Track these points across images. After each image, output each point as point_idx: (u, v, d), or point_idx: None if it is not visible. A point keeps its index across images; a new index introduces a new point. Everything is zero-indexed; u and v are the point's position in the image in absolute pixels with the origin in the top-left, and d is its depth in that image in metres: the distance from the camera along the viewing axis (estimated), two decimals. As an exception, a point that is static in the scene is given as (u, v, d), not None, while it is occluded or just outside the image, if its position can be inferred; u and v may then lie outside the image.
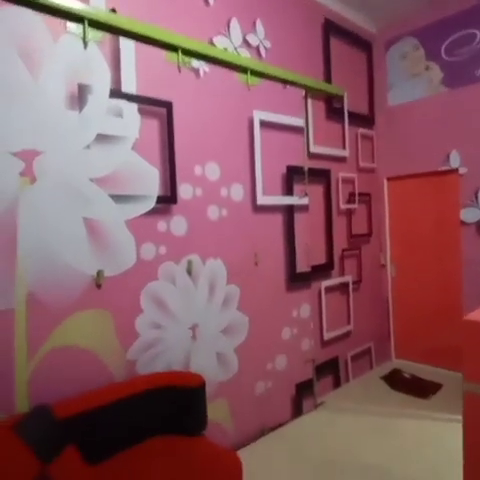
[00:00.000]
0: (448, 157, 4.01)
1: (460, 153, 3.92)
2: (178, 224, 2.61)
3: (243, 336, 3.00)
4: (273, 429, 3.20)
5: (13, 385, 1.95)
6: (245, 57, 3.01)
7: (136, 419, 2.15)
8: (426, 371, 4.27)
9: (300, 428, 3.25)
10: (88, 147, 2.21)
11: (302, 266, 3.47)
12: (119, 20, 2.28)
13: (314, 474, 2.63)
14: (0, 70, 1.92)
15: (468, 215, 3.91)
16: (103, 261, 2.26)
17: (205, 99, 2.77)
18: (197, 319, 2.72)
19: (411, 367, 4.40)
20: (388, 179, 4.57)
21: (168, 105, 2.55)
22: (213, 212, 2.81)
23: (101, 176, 2.26)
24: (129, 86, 2.38)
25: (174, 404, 2.23)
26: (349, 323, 4.12)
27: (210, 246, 2.80)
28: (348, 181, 4.13)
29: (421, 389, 3.87)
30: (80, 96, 2.17)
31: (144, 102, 2.44)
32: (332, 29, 3.91)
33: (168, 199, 2.56)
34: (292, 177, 3.36)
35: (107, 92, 2.28)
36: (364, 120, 4.36)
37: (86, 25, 2.17)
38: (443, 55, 3.96)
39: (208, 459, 2.02)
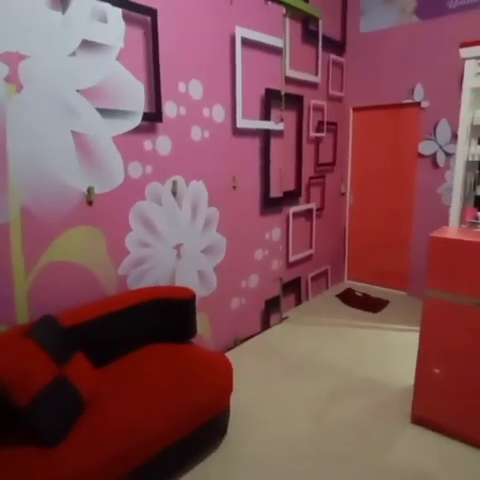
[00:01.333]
0: (413, 90, 4.17)
1: (424, 87, 4.09)
2: (163, 144, 2.59)
3: (221, 256, 3.17)
4: (245, 340, 3.52)
5: (13, 298, 1.98)
6: (230, -36, 2.82)
7: (134, 328, 2.29)
8: (375, 290, 4.79)
9: (269, 338, 3.61)
10: (74, 54, 2.06)
11: (275, 191, 3.61)
12: None
13: (285, 372, 3.00)
14: (-27, -48, 1.68)
15: (425, 148, 4.20)
16: (93, 178, 2.23)
17: (189, 9, 2.61)
18: (181, 239, 2.82)
19: (362, 287, 4.90)
20: (354, 109, 4.68)
21: (153, 13, 2.39)
22: (196, 133, 2.79)
23: (87, 87, 2.14)
24: (113, -14, 2.18)
25: (168, 315, 2.39)
26: (311, 247, 4.43)
27: (193, 168, 2.81)
28: (318, 109, 4.19)
29: (371, 305, 4.37)
30: (62, -7, 1.98)
31: (128, 7, 2.26)
32: None
33: (153, 117, 2.49)
34: (270, 101, 3.36)
35: (90, -8, 2.09)
36: (336, 46, 4.33)
37: None
38: (419, -18, 3.94)
39: (202, 358, 2.24)
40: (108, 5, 2.16)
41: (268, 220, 3.60)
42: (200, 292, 3.01)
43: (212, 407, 2.07)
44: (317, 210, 4.45)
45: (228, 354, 3.27)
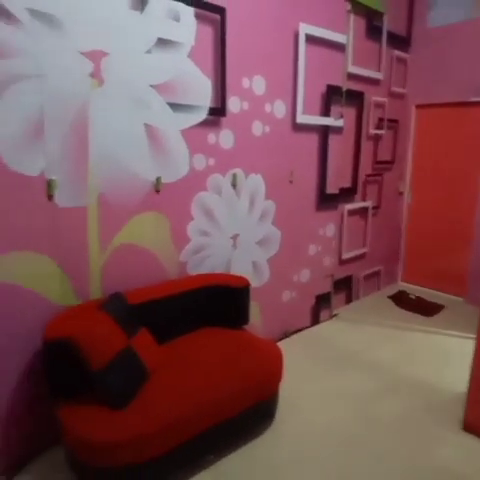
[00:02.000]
0: (482, 86, 3.98)
1: (495, 82, 3.90)
2: (226, 137, 2.69)
3: (275, 249, 3.23)
4: (294, 332, 3.57)
5: (88, 274, 2.17)
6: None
7: (191, 311, 2.43)
8: (430, 294, 4.64)
9: (318, 333, 3.63)
10: (149, 51, 2.21)
11: (331, 188, 3.62)
12: None
13: (332, 367, 3.02)
14: (69, -39, 1.87)
15: (493, 146, 3.99)
16: (161, 168, 2.38)
17: (255, 6, 2.69)
18: (238, 230, 2.92)
19: (416, 290, 4.75)
20: (417, 106, 4.55)
21: (222, 11, 2.50)
22: (257, 128, 2.87)
23: (160, 83, 2.29)
24: (187, -13, 2.31)
25: (223, 301, 2.50)
26: (365, 245, 4.37)
27: (252, 161, 2.90)
28: (379, 105, 4.12)
29: (425, 308, 4.24)
30: (142, -5, 2.13)
31: (200, 6, 2.38)
32: None
33: (218, 111, 2.61)
34: (330, 97, 3.37)
35: (167, -8, 2.23)
36: (401, 42, 4.23)
37: None
38: (494, -28, 3.75)
39: (255, 344, 2.33)
40: (182, 4, 2.30)
41: (323, 216, 3.61)
42: (253, 282, 3.09)
43: (262, 390, 2.15)
44: (373, 208, 4.38)
45: (278, 344, 3.34)
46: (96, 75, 2.04)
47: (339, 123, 3.52)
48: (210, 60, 2.51)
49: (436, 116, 4.43)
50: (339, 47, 3.36)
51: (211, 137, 2.61)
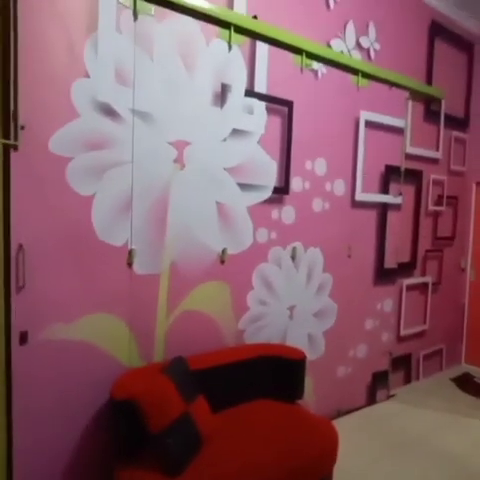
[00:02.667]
0: None
1: None
2: (288, 213, 2.87)
3: (331, 322, 3.24)
4: (348, 412, 3.42)
5: (154, 338, 2.33)
6: (357, 59, 3.17)
7: (247, 380, 2.47)
8: (499, 379, 4.29)
9: (375, 414, 3.45)
10: (225, 140, 2.51)
11: (389, 262, 3.62)
12: (258, 26, 2.53)
13: (390, 452, 2.84)
14: (166, 69, 2.25)
15: None
16: (227, 240, 2.58)
17: (320, 99, 2.98)
18: (295, 301, 2.99)
19: (482, 373, 4.42)
20: (477, 184, 4.54)
21: (289, 104, 2.79)
22: (317, 204, 3.04)
23: (232, 166, 2.56)
24: (260, 86, 2.64)
25: (279, 372, 2.52)
26: (425, 323, 4.21)
27: (312, 235, 3.03)
28: (438, 183, 4.17)
29: (494, 395, 3.91)
30: (222, 94, 2.47)
31: (271, 101, 2.69)
32: (437, 30, 3.94)
33: (282, 190, 2.82)
34: (389, 176, 3.51)
35: (243, 91, 2.56)
36: (459, 123, 4.35)
37: (232, 30, 2.45)
38: None
39: (310, 421, 2.29)
40: (255, 100, 2.61)
41: (381, 290, 3.59)
42: (308, 355, 3.08)
43: (316, 470, 2.09)
44: (433, 284, 4.27)
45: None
46: (179, 160, 2.33)
47: (398, 200, 3.61)
48: (277, 145, 2.77)
49: (499, 194, 4.38)
50: (398, 130, 3.55)
51: (274, 213, 2.80)
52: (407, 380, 4.08)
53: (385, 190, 3.51)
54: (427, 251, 4.16)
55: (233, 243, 2.61)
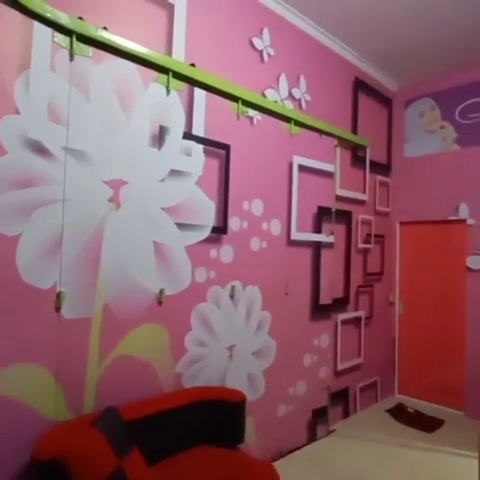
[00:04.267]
0: (457, 208, 4.40)
1: (469, 206, 4.32)
2: (226, 252, 2.90)
3: (271, 360, 3.24)
4: (290, 451, 3.38)
5: (84, 387, 2.17)
6: (289, 109, 3.40)
7: (185, 427, 2.36)
8: (428, 407, 4.50)
9: (316, 452, 3.44)
10: (163, 180, 2.52)
11: (324, 298, 3.76)
12: (196, 73, 2.64)
13: (334, 494, 2.83)
14: (103, 109, 2.24)
15: (474, 262, 4.27)
16: (165, 281, 2.53)
17: (256, 143, 3.12)
18: (234, 340, 2.97)
19: (413, 403, 4.62)
20: (400, 223, 4.94)
21: (227, 147, 2.89)
22: (255, 243, 3.11)
23: (170, 206, 2.56)
24: (198, 129, 2.72)
25: (218, 416, 2.45)
26: (360, 356, 4.37)
27: (250, 274, 3.08)
28: (366, 223, 4.48)
29: (424, 424, 4.09)
30: (160, 136, 2.50)
31: (209, 144, 2.77)
32: (360, 86, 4.36)
33: (220, 229, 2.85)
34: (321, 216, 3.70)
35: (181, 134, 2.62)
36: (382, 168, 4.77)
37: (170, 76, 2.53)
38: (457, 117, 4.42)
39: (252, 468, 2.23)
40: (193, 143, 2.68)
41: (317, 326, 3.69)
42: (248, 395, 3.04)
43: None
44: (366, 318, 4.47)
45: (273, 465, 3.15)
46: (114, 200, 2.29)
47: (330, 239, 3.80)
48: (215, 186, 2.83)
49: (419, 232, 4.79)
50: (328, 174, 3.79)
51: (213, 252, 2.82)
52: (346, 414, 4.16)
53: (318, 229, 3.69)
54: (359, 287, 4.39)
55: (171, 283, 2.57)
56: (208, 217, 2.78)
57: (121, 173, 2.32)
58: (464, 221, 4.37)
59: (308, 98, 3.66)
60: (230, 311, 2.94)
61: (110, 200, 2.28)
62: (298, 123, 3.44)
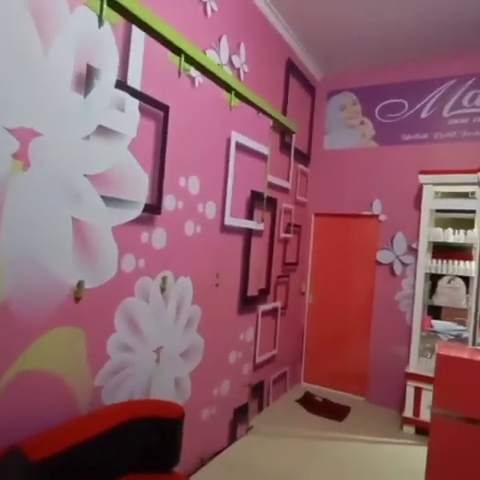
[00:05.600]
0: (371, 204, 4.55)
1: (382, 202, 4.50)
2: (159, 237, 2.41)
3: (198, 360, 2.87)
4: (211, 457, 3.08)
5: (-34, 422, 1.51)
6: (232, 76, 3.00)
7: (112, 455, 1.86)
8: (332, 394, 4.63)
9: (237, 455, 3.19)
10: (88, 138, 1.91)
11: (252, 290, 3.50)
12: (136, 6, 2.07)
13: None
14: (9, 33, 1.56)
15: (383, 257, 4.47)
16: (85, 270, 1.95)
17: (197, 110, 2.66)
18: (162, 341, 2.51)
19: (318, 390, 4.71)
20: (316, 214, 4.95)
21: (166, 109, 2.38)
22: (189, 227, 2.67)
23: (96, 173, 1.97)
24: (134, 80, 2.15)
25: (152, 437, 1.99)
26: (275, 347, 4.26)
27: (183, 263, 2.64)
28: (288, 212, 4.35)
29: (334, 412, 4.18)
30: (88, 79, 1.89)
31: (146, 101, 2.23)
32: (291, 69, 4.16)
33: (153, 209, 2.35)
34: (254, 202, 3.41)
35: (113, 81, 2.03)
36: (303, 157, 4.68)
37: (104, 1, 1.92)
38: (376, 115, 4.55)
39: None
40: (127, 95, 2.11)
41: (244, 319, 3.42)
42: (175, 400, 2.62)
43: None
44: (282, 309, 4.38)
45: (194, 477, 2.81)
46: (21, 156, 1.63)
47: (260, 227, 3.55)
48: (150, 155, 2.31)
49: (333, 224, 4.86)
50: (262, 157, 3.51)
51: (144, 236, 2.30)
52: (260, 408, 4.01)
53: (250, 216, 3.39)
54: (278, 277, 4.25)
55: (92, 274, 1.99)
56: (140, 192, 2.25)
57: (32, 120, 1.67)
58: (376, 216, 4.54)
59: (246, 70, 3.30)
60: (160, 307, 2.47)
61: (15, 156, 1.61)
62: (238, 95, 3.07)
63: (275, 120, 3.65)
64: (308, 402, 4.39)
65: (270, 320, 4.12)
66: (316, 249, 4.96)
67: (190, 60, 2.52)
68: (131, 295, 2.24)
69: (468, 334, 3.75)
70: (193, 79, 2.61)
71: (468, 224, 4.06)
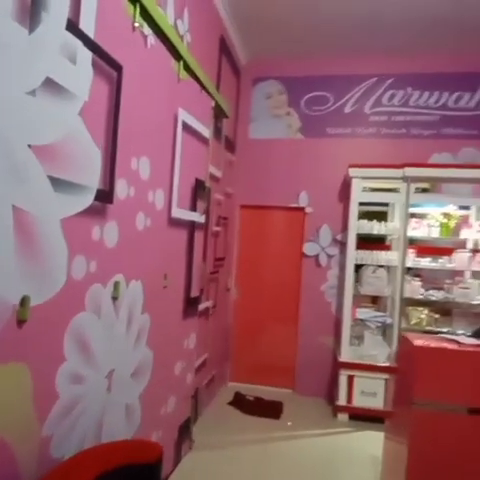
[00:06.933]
0: (298, 196, 4.53)
1: (308, 194, 4.51)
2: (111, 231, 1.90)
3: (147, 378, 2.41)
4: (159, 487, 2.65)
5: None
6: (184, 44, 2.57)
7: None
8: (259, 391, 4.48)
9: (187, 478, 2.83)
10: (33, 93, 1.34)
11: (195, 290, 3.13)
12: None
13: None
14: None
15: (309, 249, 4.50)
16: (30, 281, 1.38)
17: (147, 77, 2.17)
18: (114, 363, 2.01)
19: (245, 388, 4.51)
20: (241, 206, 4.75)
21: (119, 69, 1.87)
22: (140, 221, 2.19)
23: (42, 144, 1.40)
24: (87, 25, 1.61)
25: (125, 493, 1.54)
26: (207, 350, 3.95)
27: (134, 264, 2.15)
28: (218, 203, 4.05)
29: (268, 409, 4.07)
30: (33, 8, 1.31)
31: (99, 54, 1.70)
32: (223, 48, 3.85)
33: (106, 196, 1.83)
34: (197, 191, 3.03)
35: (64, 20, 1.47)
36: (230, 145, 4.42)
37: None
38: (302, 107, 4.52)
39: None
40: (80, 44, 1.56)
41: (188, 324, 3.04)
42: (125, 434, 2.15)
43: None
44: (212, 308, 4.08)
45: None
46: None
47: (202, 219, 3.18)
48: (102, 127, 1.78)
49: (260, 217, 4.73)
50: (205, 141, 3.14)
51: (96, 231, 1.78)
52: (196, 418, 3.67)
53: (194, 207, 3.01)
54: (211, 273, 3.94)
55: (39, 285, 1.43)
56: (93, 174, 1.72)
57: (-45, 54, 1.07)
58: (303, 209, 4.53)
59: (189, 39, 2.89)
60: (112, 321, 1.96)
61: None
62: (186, 67, 2.65)
63: (216, 101, 3.30)
64: (241, 403, 4.20)
65: (203, 321, 3.79)
66: (242, 243, 4.77)
67: (144, 14, 2.04)
68: (82, 310, 1.71)
69: (391, 320, 3.99)
70: (146, 38, 2.12)
71: (381, 216, 4.33)
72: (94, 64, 1.67)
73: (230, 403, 4.20)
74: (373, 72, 4.32)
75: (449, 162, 4.02)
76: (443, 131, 4.16)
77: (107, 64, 1.76)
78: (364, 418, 3.77)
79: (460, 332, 3.52)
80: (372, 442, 3.33)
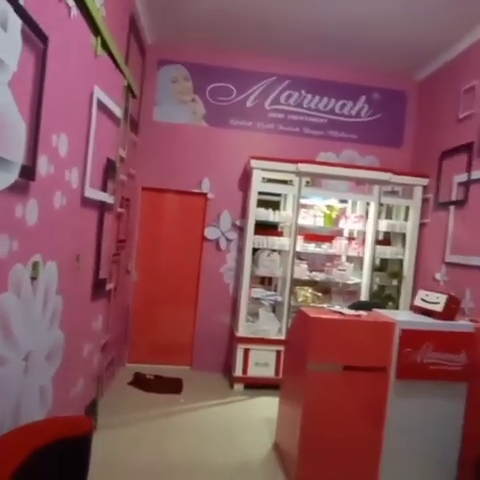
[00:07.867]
0: (201, 182, 4.70)
1: (210, 181, 4.71)
2: (32, 210, 1.83)
3: (59, 360, 2.37)
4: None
5: None
6: (102, 18, 2.50)
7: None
8: (158, 370, 4.60)
9: (97, 458, 2.85)
10: (-33, 59, 1.26)
11: (103, 271, 3.10)
12: None
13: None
14: None
15: (210, 233, 4.74)
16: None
17: (67, 49, 2.09)
18: (32, 344, 1.96)
19: (145, 368, 4.59)
20: (143, 188, 4.73)
21: (45, 40, 1.79)
22: (58, 199, 2.13)
23: (-27, 114, 1.32)
24: (18, -12, 1.52)
25: (56, 465, 1.58)
26: (108, 332, 3.93)
27: (51, 244, 2.10)
28: (122, 184, 4.00)
29: (169, 386, 4.25)
30: (-31, -34, 1.22)
31: (28, 23, 1.61)
32: (132, 26, 3.76)
33: (29, 172, 1.76)
34: (108, 172, 2.99)
35: (-3, -18, 1.38)
36: (134, 125, 4.36)
37: None
38: (207, 96, 4.67)
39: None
40: (10, 9, 1.48)
41: (96, 306, 3.01)
42: (39, 416, 2.11)
43: None
44: (114, 290, 4.04)
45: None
46: None
47: (111, 200, 3.15)
48: (28, 100, 1.70)
49: (162, 200, 4.78)
50: (117, 120, 3.09)
51: (18, 209, 1.71)
52: (97, 398, 3.65)
53: (104, 187, 2.96)
54: (114, 255, 3.89)
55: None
56: (18, 149, 1.65)
57: None
58: (205, 195, 4.73)
59: (104, 13, 2.80)
60: (30, 301, 1.90)
61: None
62: (103, 42, 2.58)
63: (127, 80, 3.25)
64: (141, 382, 4.28)
65: (105, 303, 3.75)
66: (144, 226, 4.77)
67: (69, -18, 1.96)
68: (4, 290, 1.65)
69: (282, 298, 4.48)
70: (70, 9, 2.04)
71: (274, 205, 4.78)
72: (23, 33, 1.59)
73: (131, 383, 4.25)
74: (273, 71, 4.67)
75: (333, 161, 4.62)
76: (329, 133, 4.74)
77: (35, 34, 1.68)
78: (258, 386, 4.19)
79: (337, 307, 4.15)
80: (266, 406, 3.76)
